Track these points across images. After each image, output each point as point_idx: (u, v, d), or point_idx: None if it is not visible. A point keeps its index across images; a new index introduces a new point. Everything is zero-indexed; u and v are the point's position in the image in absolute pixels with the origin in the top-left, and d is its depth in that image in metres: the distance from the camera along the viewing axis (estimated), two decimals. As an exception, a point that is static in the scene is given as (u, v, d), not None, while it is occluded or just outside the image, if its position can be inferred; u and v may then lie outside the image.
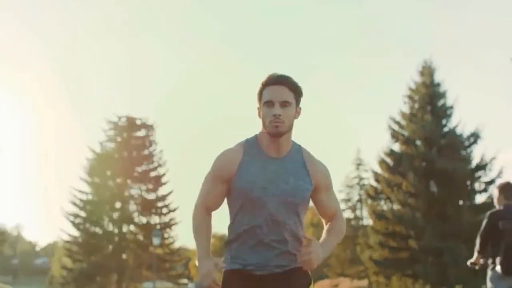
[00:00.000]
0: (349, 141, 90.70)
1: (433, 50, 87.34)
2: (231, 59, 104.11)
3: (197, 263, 2.87)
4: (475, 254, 6.28)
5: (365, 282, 40.38)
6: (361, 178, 46.28)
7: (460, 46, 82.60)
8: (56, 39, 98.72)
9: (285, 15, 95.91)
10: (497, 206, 6.28)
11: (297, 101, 2.96)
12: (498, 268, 6.01)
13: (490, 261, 6.16)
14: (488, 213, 6.22)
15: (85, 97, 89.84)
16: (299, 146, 3.04)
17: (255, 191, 2.88)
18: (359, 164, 46.69)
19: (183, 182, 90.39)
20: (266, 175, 2.91)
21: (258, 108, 2.99)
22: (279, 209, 2.88)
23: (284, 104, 2.89)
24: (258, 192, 2.88)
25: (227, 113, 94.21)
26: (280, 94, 2.89)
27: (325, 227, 3.12)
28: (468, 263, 6.35)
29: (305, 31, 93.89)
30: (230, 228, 3.01)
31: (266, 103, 2.92)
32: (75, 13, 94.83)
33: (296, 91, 2.94)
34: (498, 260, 6.01)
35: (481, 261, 6.28)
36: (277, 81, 2.92)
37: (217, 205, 3.03)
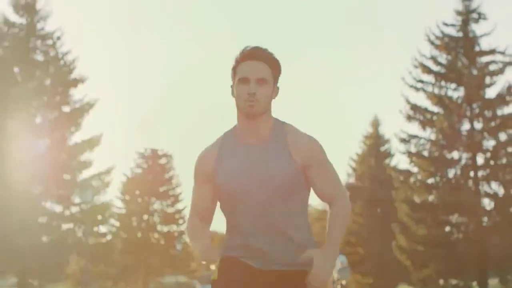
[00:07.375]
0: (340, 133, 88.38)
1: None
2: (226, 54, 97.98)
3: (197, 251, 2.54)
4: None
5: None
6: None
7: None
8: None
9: (277, 4, 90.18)
10: None
11: (275, 79, 2.55)
12: None
13: None
14: None
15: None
16: (283, 125, 2.61)
17: (231, 184, 2.53)
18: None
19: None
20: (243, 165, 2.54)
21: (232, 86, 2.57)
22: (264, 198, 2.51)
23: (261, 81, 2.49)
24: (235, 185, 2.52)
25: (232, 121, 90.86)
26: (257, 70, 2.49)
27: (328, 214, 2.67)
28: None
29: (297, 20, 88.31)
30: (226, 231, 2.67)
31: (240, 80, 2.50)
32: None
33: (275, 67, 2.53)
34: None
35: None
36: (254, 55, 2.51)
37: (208, 210, 2.64)
